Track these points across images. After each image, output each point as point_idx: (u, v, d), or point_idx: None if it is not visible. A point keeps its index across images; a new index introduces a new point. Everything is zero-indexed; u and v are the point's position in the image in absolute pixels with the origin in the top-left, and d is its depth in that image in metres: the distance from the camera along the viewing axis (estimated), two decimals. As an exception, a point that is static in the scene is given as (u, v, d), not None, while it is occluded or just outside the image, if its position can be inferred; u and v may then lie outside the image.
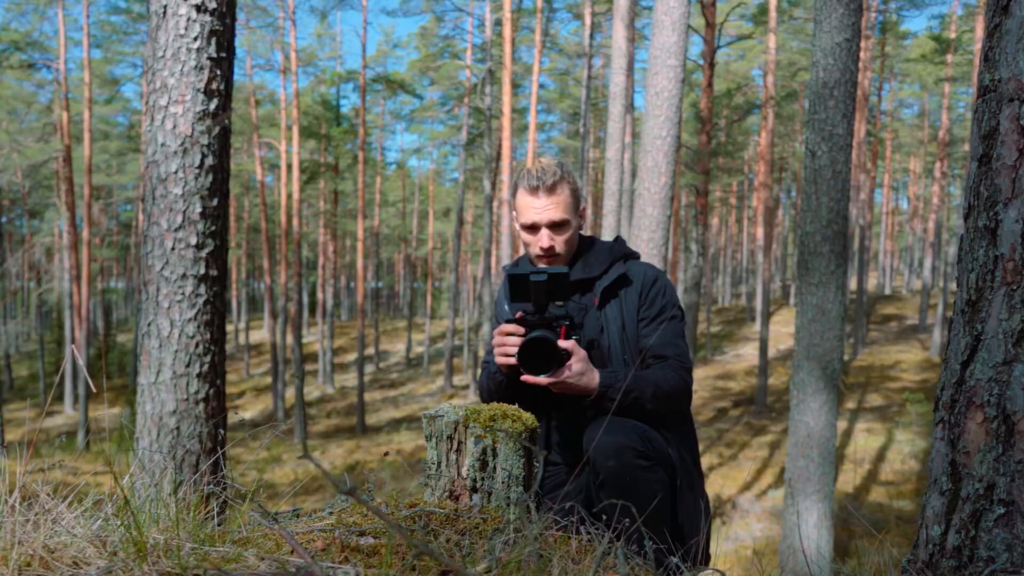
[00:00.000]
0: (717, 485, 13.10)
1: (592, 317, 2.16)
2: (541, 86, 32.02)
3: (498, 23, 25.42)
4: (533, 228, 2.15)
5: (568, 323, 2.04)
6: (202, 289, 3.02)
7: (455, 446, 1.25)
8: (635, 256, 2.28)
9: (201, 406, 3.03)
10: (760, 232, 29.79)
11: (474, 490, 1.22)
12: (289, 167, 27.09)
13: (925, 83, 33.65)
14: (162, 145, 2.97)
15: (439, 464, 1.25)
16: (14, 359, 41.61)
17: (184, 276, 2.99)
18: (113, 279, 55.53)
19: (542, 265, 2.17)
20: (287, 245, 27.77)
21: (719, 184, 36.03)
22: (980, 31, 22.31)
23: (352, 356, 37.97)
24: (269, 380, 31.64)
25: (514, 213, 2.26)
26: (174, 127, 2.95)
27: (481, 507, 1.18)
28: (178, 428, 2.99)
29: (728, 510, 11.87)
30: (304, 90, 33.74)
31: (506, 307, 2.28)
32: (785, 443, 16.82)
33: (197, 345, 3.02)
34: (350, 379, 33.90)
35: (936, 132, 37.11)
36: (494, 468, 1.22)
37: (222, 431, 3.15)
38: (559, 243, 2.15)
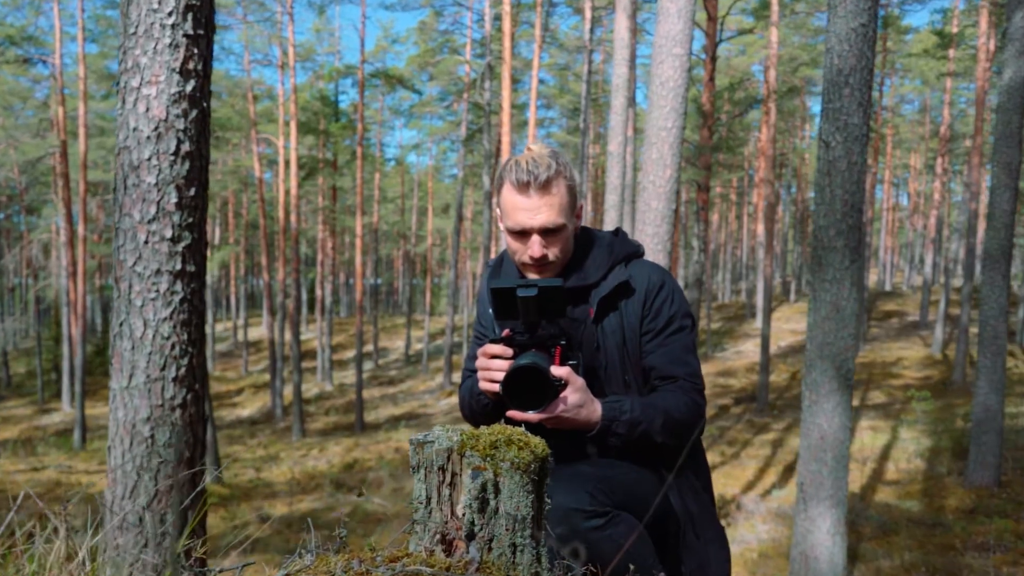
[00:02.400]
0: (720, 485, 12.91)
1: (587, 332, 1.85)
2: (541, 81, 31.78)
3: (497, 18, 25.19)
4: (522, 234, 1.80)
5: (564, 343, 1.74)
6: (178, 286, 2.78)
7: (448, 479, 1.01)
8: (638, 254, 1.94)
9: (178, 412, 2.80)
10: (761, 228, 29.60)
11: (471, 536, 0.98)
12: (287, 163, 26.88)
13: (927, 78, 33.45)
14: (134, 130, 2.72)
15: (429, 501, 1.01)
16: (12, 356, 41.46)
17: (158, 272, 2.74)
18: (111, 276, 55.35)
19: (530, 275, 1.85)
20: (285, 242, 27.56)
21: (719, 180, 35.84)
22: (984, 25, 22.07)
23: (351, 353, 37.78)
24: (267, 377, 31.46)
25: (497, 211, 1.89)
26: (147, 110, 2.70)
27: (480, 563, 0.94)
28: (153, 436, 2.76)
29: (732, 511, 11.68)
30: (302, 86, 33.51)
31: (491, 310, 1.96)
32: (788, 441, 16.62)
33: (173, 347, 2.78)
34: (349, 376, 33.71)
35: (937, 128, 36.95)
36: (496, 508, 0.98)
37: (202, 439, 2.92)
38: (552, 251, 1.81)
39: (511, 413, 1.58)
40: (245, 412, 29.19)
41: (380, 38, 41.67)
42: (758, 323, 29.05)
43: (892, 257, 48.07)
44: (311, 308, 50.62)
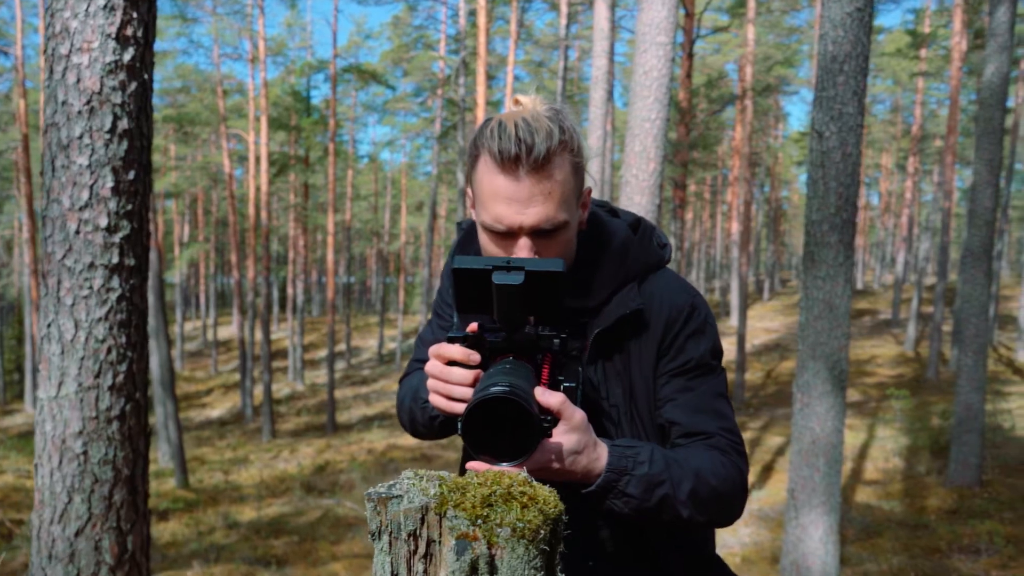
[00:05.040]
0: (699, 486, 12.70)
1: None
2: (516, 78, 31.49)
3: (472, 13, 24.85)
4: (506, 235, 1.21)
5: (558, 350, 1.16)
6: (115, 282, 2.44)
7: (423, 549, 0.67)
8: (659, 263, 1.36)
9: (115, 425, 2.46)
10: (735, 227, 29.58)
11: (457, 635, 0.65)
12: (258, 159, 26.38)
13: (899, 78, 33.77)
14: (63, 104, 2.38)
15: (395, 580, 0.68)
16: (-28, 356, 40.40)
17: (92, 266, 2.40)
18: (76, 274, 54.13)
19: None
20: (256, 239, 27.02)
21: (693, 179, 35.87)
22: (958, 24, 22.19)
23: (323, 352, 37.26)
24: (237, 377, 30.90)
25: (470, 193, 1.29)
26: (78, 81, 2.35)
27: None
28: (86, 453, 2.42)
29: (712, 513, 11.46)
30: (273, 81, 32.92)
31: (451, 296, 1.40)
32: (766, 440, 16.50)
33: (109, 351, 2.44)
34: (321, 376, 33.20)
35: (908, 127, 37.34)
36: (491, 595, 0.64)
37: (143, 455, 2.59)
38: (550, 257, 1.23)
39: (473, 465, 1.02)
40: (214, 412, 28.60)
41: (353, 33, 41.16)
42: (732, 321, 29.03)
43: (863, 255, 48.54)
44: (282, 307, 49.97)
